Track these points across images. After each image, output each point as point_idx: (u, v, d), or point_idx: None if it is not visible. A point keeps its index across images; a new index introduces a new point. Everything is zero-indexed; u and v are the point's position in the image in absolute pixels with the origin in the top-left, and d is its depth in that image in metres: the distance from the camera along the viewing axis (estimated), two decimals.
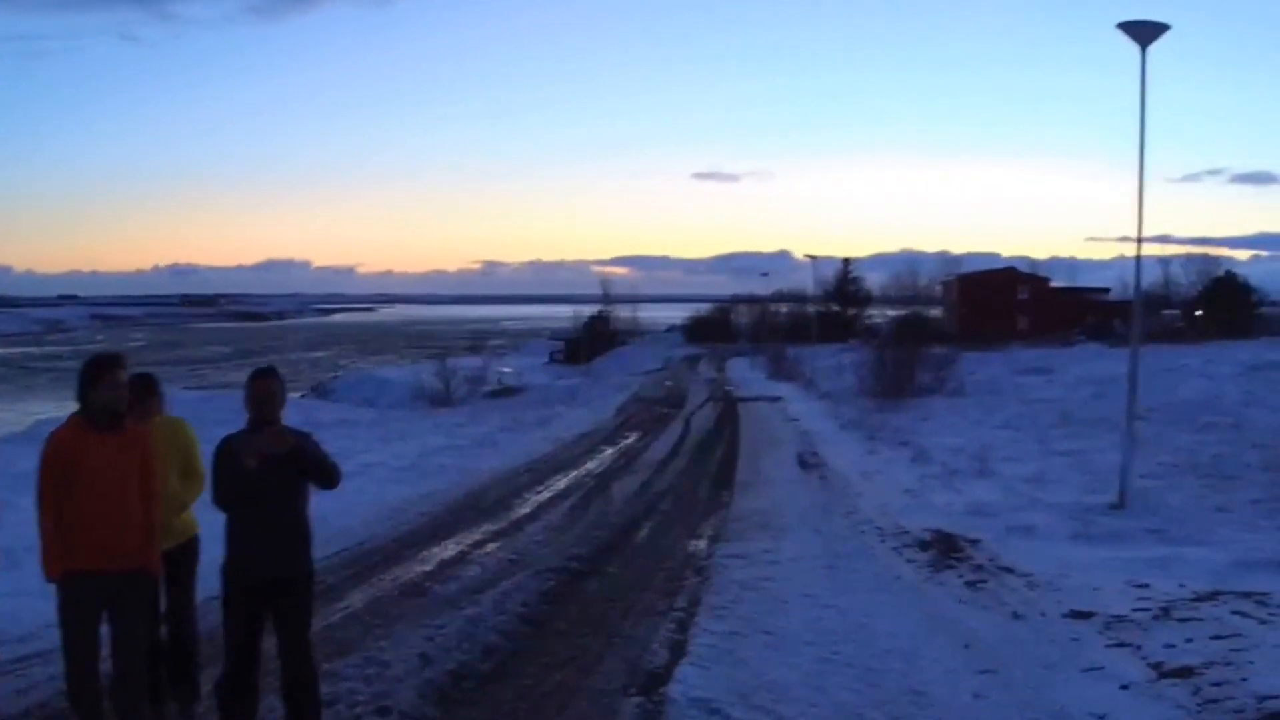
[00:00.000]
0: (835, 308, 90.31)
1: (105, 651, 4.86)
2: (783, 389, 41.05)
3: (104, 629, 4.85)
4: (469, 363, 50.58)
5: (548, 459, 19.96)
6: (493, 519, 13.01)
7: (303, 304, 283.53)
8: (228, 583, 4.92)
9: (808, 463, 18.97)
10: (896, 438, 21.54)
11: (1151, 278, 71.11)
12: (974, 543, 10.84)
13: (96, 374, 4.84)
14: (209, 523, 5.41)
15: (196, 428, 5.88)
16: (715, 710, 5.76)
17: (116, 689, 4.83)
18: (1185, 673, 6.31)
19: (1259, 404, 23.59)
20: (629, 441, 23.63)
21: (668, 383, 48.86)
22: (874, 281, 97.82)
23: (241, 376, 5.58)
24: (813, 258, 64.30)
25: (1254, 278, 74.58)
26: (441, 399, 42.90)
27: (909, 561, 10.30)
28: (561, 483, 16.65)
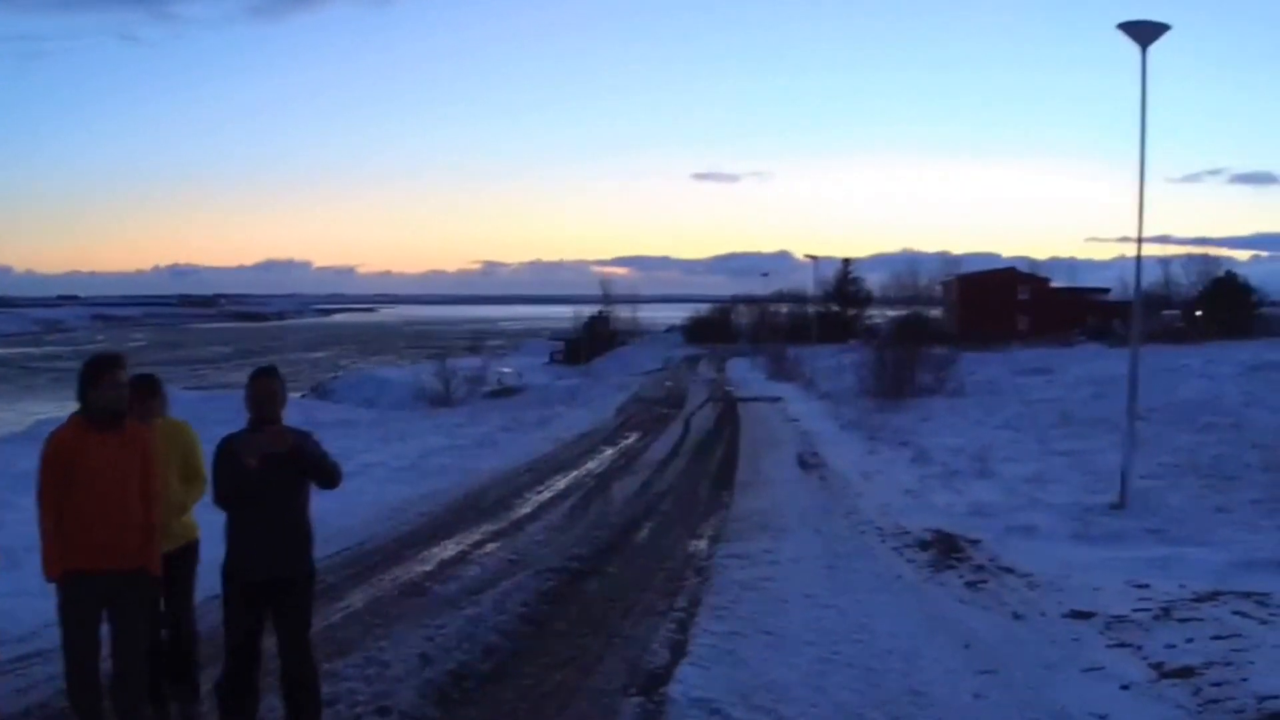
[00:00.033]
0: (835, 308, 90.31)
1: (105, 651, 4.86)
2: (783, 389, 41.06)
3: (104, 629, 4.86)
4: (469, 363, 50.60)
5: (548, 459, 19.96)
6: (493, 519, 13.01)
7: (303, 304, 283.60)
8: (228, 582, 4.91)
9: (808, 463, 18.97)
10: (897, 438, 21.54)
11: (1151, 278, 71.13)
12: (974, 543, 10.84)
13: (97, 374, 4.84)
14: (209, 523, 5.40)
15: (197, 428, 5.88)
16: (715, 710, 5.76)
17: (116, 688, 4.82)
18: (1186, 673, 6.30)
19: (1259, 404, 23.58)
20: (629, 442, 23.63)
21: (668, 383, 48.89)
22: (874, 282, 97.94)
23: (241, 377, 5.58)
24: (813, 258, 64.26)
25: (1254, 278, 74.65)
26: (441, 399, 42.93)
27: (909, 562, 10.30)
28: (561, 483, 16.64)
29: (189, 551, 5.56)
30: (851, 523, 12.62)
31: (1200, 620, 7.41)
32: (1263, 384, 27.63)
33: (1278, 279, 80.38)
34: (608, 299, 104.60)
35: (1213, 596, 8.06)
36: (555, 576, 9.27)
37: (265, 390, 4.92)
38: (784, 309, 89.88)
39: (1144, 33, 13.13)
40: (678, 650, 7.03)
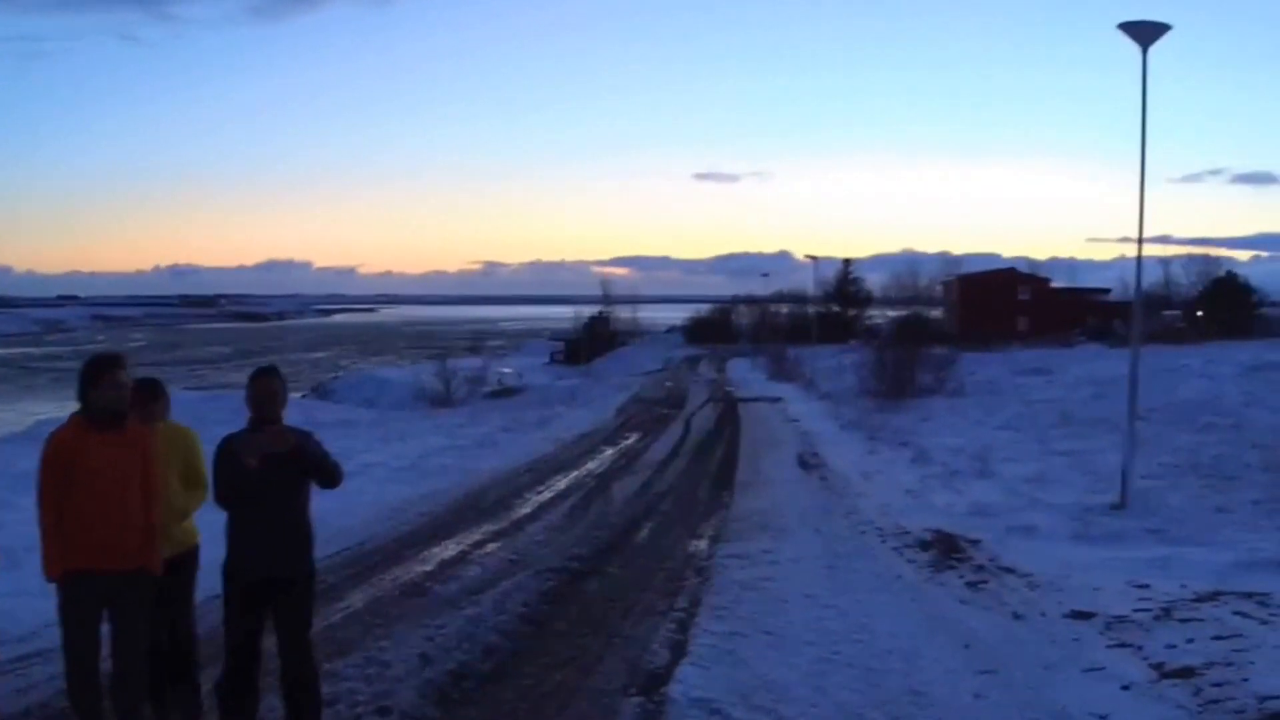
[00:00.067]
0: (836, 308, 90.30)
1: (105, 651, 4.86)
2: (783, 389, 41.07)
3: (104, 628, 4.85)
4: (469, 363, 50.58)
5: (548, 459, 19.96)
6: (493, 519, 13.01)
7: (303, 304, 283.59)
8: (228, 582, 4.91)
9: (808, 463, 18.97)
10: (897, 438, 21.55)
11: (1152, 278, 71.21)
12: (974, 543, 10.84)
13: (97, 374, 4.84)
14: (210, 524, 5.40)
15: (197, 428, 5.86)
16: (716, 710, 5.75)
17: (116, 688, 4.83)
18: (1186, 673, 6.30)
19: (1259, 404, 23.58)
20: (629, 442, 23.63)
21: (668, 383, 48.91)
22: (874, 282, 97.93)
23: (242, 377, 5.58)
24: (813, 258, 64.21)
25: (1254, 278, 74.68)
26: (442, 399, 42.93)
27: (909, 562, 10.29)
28: (562, 483, 16.64)
29: (189, 557, 5.51)
30: (852, 523, 12.62)
31: (1201, 620, 7.40)
32: (1263, 384, 27.62)
33: (1278, 279, 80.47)
34: (608, 299, 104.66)
35: (1213, 597, 8.06)
36: (555, 576, 9.27)
37: (266, 390, 4.92)
38: (784, 309, 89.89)
39: (1144, 33, 13.13)
40: (678, 650, 7.03)
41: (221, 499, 4.90)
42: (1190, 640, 6.93)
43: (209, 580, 5.36)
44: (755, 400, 36.02)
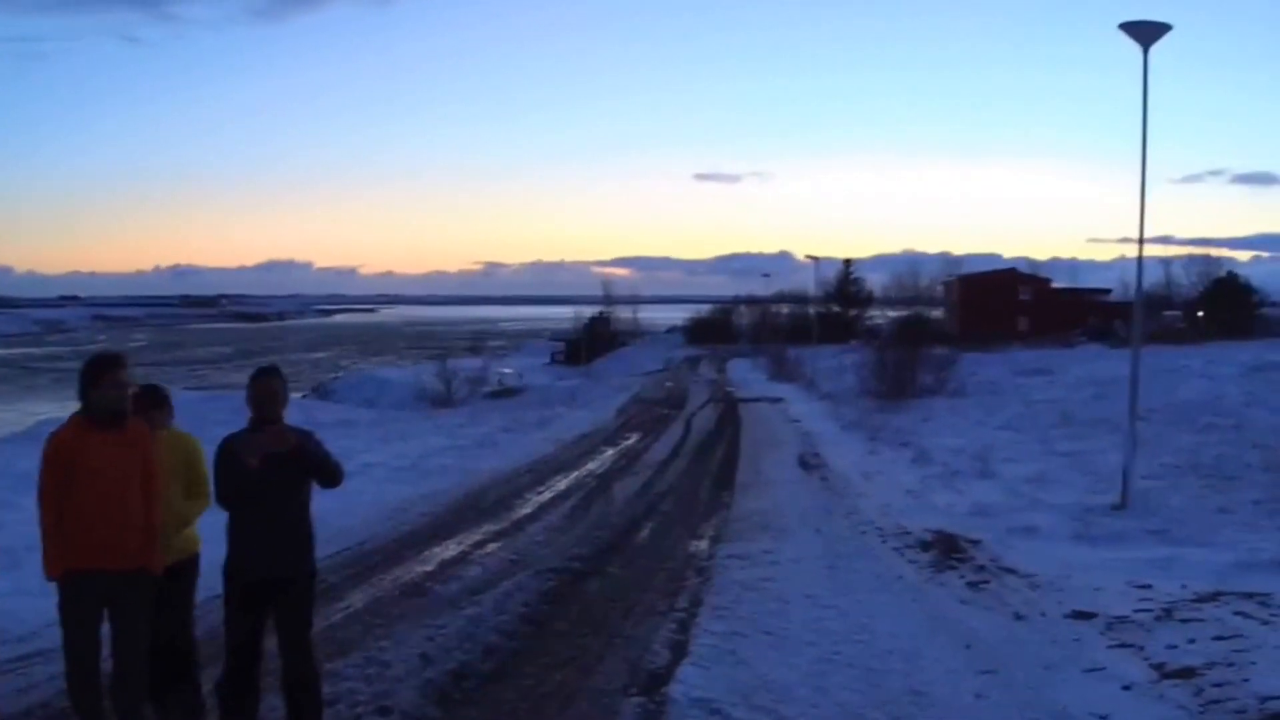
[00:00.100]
0: (836, 309, 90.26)
1: (106, 651, 4.86)
2: (784, 390, 41.06)
3: (105, 628, 4.85)
4: (470, 363, 50.61)
5: (548, 459, 19.96)
6: (493, 519, 13.01)
7: (304, 305, 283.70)
8: (228, 581, 4.91)
9: (809, 463, 18.96)
10: (898, 438, 21.54)
11: (1153, 279, 71.12)
12: (975, 543, 10.83)
13: (98, 373, 4.84)
14: (211, 525, 5.39)
15: (197, 428, 5.87)
16: (716, 710, 5.75)
17: (117, 688, 4.82)
18: (1187, 673, 6.30)
19: (1260, 405, 23.56)
20: (630, 442, 23.62)
21: (668, 384, 48.90)
22: (875, 282, 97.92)
23: (242, 377, 5.58)
24: (814, 258, 64.08)
25: (1255, 278, 74.56)
26: (442, 399, 42.96)
27: (910, 562, 10.29)
28: (562, 483, 16.64)
29: (189, 565, 5.46)
30: (852, 523, 12.62)
31: (1202, 621, 7.40)
32: (1264, 384, 27.60)
33: (1278, 280, 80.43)
34: (608, 300, 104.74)
35: (1214, 597, 8.05)
36: (556, 577, 9.27)
37: (267, 390, 4.92)
38: (785, 309, 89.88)
39: (1145, 33, 13.13)
40: (678, 650, 7.03)
41: (222, 499, 4.91)
42: (1191, 640, 6.93)
43: (209, 580, 5.36)
44: (756, 400, 36.01)
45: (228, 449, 4.86)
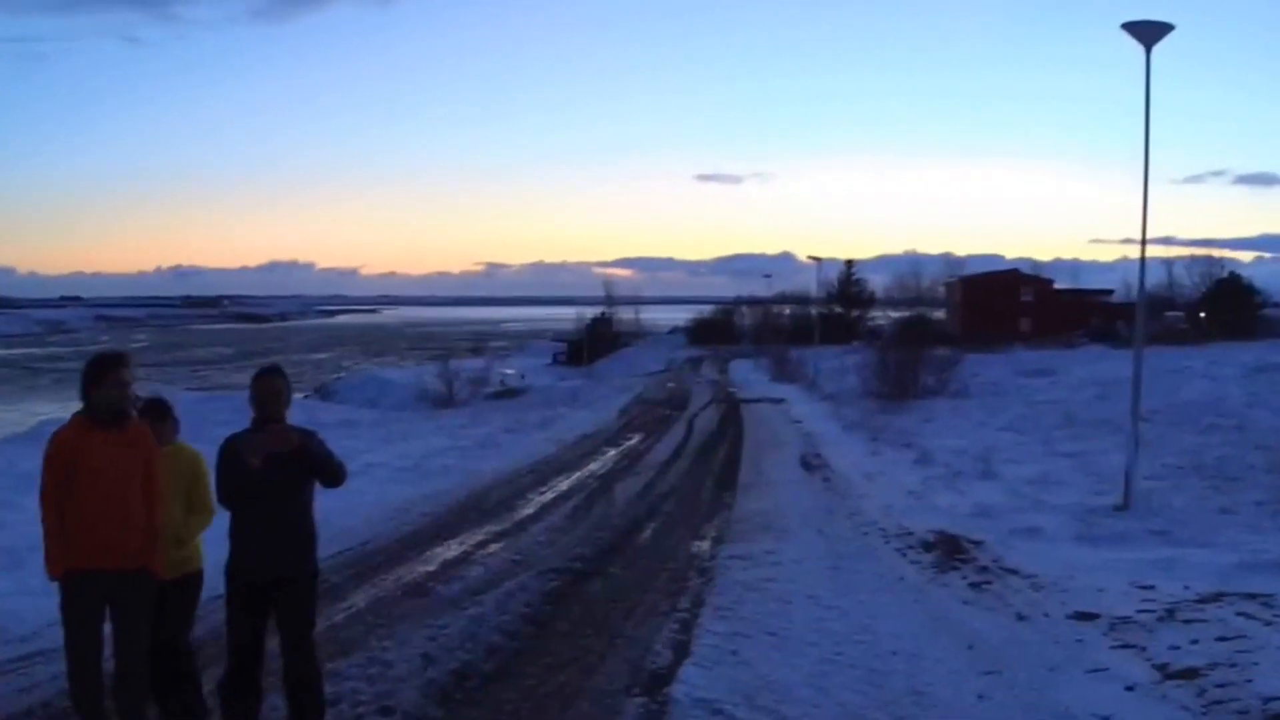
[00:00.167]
0: (838, 309, 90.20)
1: (108, 651, 4.86)
2: (786, 391, 41.07)
3: (107, 628, 4.85)
4: (471, 364, 50.70)
5: (550, 460, 19.96)
6: (495, 519, 13.01)
7: (306, 305, 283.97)
8: (230, 581, 4.91)
9: (811, 464, 18.96)
10: (900, 439, 21.55)
11: (1155, 279, 70.99)
12: (978, 544, 10.82)
13: (100, 373, 4.84)
14: (213, 525, 5.40)
15: (199, 429, 5.88)
16: (718, 711, 5.74)
17: (118, 688, 4.82)
18: (1190, 674, 6.29)
19: (1262, 405, 23.55)
20: (632, 443, 23.63)
21: (670, 384, 48.92)
22: (877, 283, 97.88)
23: (244, 378, 5.59)
24: (816, 259, 63.83)
25: (1257, 279, 74.46)
26: (444, 400, 42.99)
27: (912, 563, 10.28)
28: (564, 484, 16.65)
29: (189, 583, 5.35)
30: (854, 524, 12.61)
31: (1204, 621, 7.39)
32: (1266, 385, 27.59)
33: None
34: (610, 300, 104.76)
35: (1217, 598, 8.04)
36: (558, 577, 9.27)
37: (269, 389, 4.92)
38: (787, 310, 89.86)
39: (1148, 33, 13.13)
40: (681, 651, 7.02)
41: (224, 499, 4.91)
42: (1194, 641, 6.92)
43: (211, 580, 5.36)
44: (758, 401, 36.00)
45: (230, 449, 4.86)
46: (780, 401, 35.59)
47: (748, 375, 55.00)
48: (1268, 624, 7.23)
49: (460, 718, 5.86)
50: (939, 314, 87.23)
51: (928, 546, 10.91)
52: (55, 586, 4.82)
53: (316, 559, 5.05)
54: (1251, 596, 7.99)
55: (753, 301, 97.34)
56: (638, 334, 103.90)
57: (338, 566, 9.63)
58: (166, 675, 5.24)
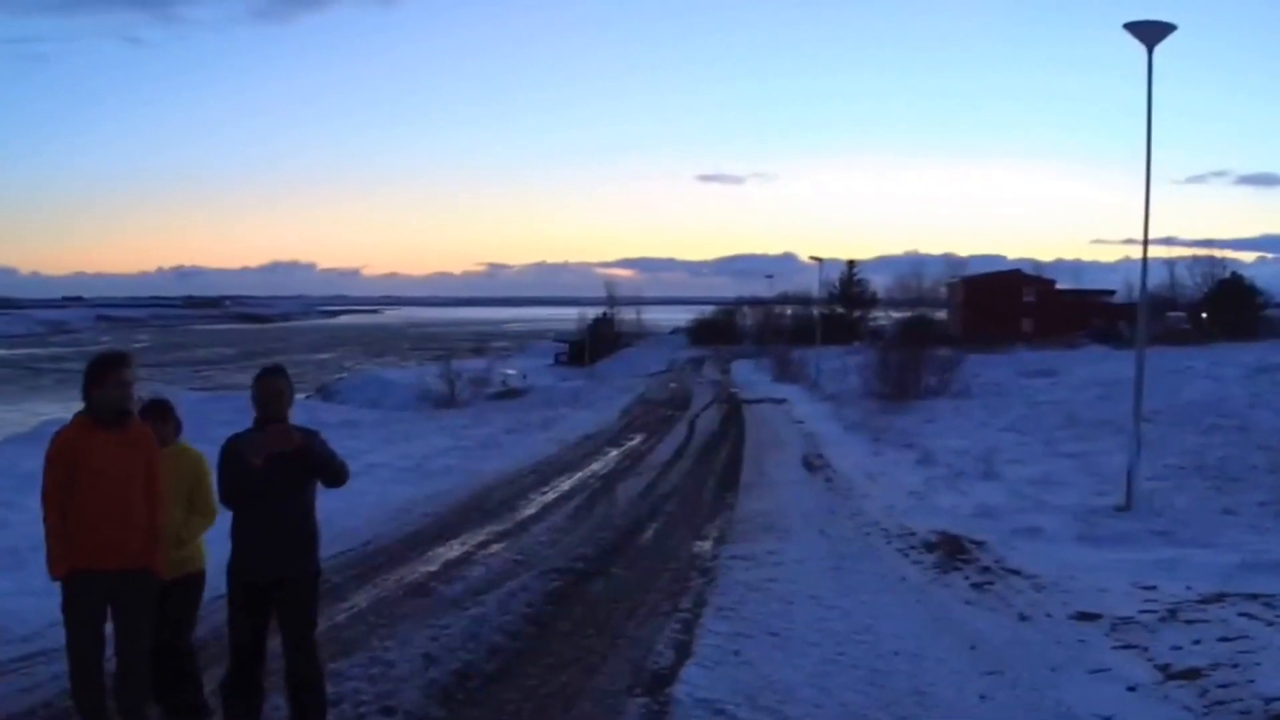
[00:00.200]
0: (840, 310, 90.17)
1: (109, 650, 4.86)
2: (787, 391, 41.06)
3: (108, 628, 4.85)
4: (473, 364, 50.71)
5: (552, 460, 19.96)
6: (497, 520, 13.01)
7: (308, 306, 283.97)
8: (231, 581, 4.91)
9: (813, 464, 18.96)
10: (901, 440, 21.54)
11: (1157, 280, 70.93)
12: (980, 544, 10.82)
13: (101, 373, 4.84)
14: (216, 525, 5.40)
15: (201, 429, 5.88)
16: (720, 711, 5.74)
17: (120, 688, 4.82)
18: (1192, 675, 6.28)
19: (1265, 406, 23.52)
20: (634, 443, 23.63)
21: (672, 385, 48.92)
22: (879, 284, 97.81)
23: (246, 378, 5.59)
24: (817, 260, 63.80)
25: (1259, 280, 74.43)
26: (446, 400, 42.99)
27: (914, 563, 10.28)
28: (566, 484, 16.65)
29: (189, 584, 5.36)
30: (856, 524, 12.61)
31: (1206, 622, 7.38)
32: (1268, 385, 27.57)
33: None
34: (612, 301, 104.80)
35: (1219, 598, 8.04)
36: (560, 577, 9.27)
37: (271, 389, 4.92)
38: (789, 311, 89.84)
39: (1150, 33, 13.13)
40: (683, 651, 7.02)
41: (226, 498, 4.91)
42: (1196, 642, 6.91)
43: (214, 580, 5.37)
44: (760, 402, 36.00)
45: (232, 449, 4.86)
46: (782, 402, 35.58)
47: (749, 376, 54.99)
48: (1270, 624, 7.22)
49: (462, 718, 5.86)
50: (941, 314, 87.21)
51: (930, 547, 10.90)
52: (57, 586, 4.82)
53: (318, 559, 5.05)
54: (1254, 597, 7.99)
55: (754, 302, 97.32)
56: (639, 334, 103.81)
57: (339, 567, 9.63)
58: (168, 675, 5.25)
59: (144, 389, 5.47)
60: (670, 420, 29.79)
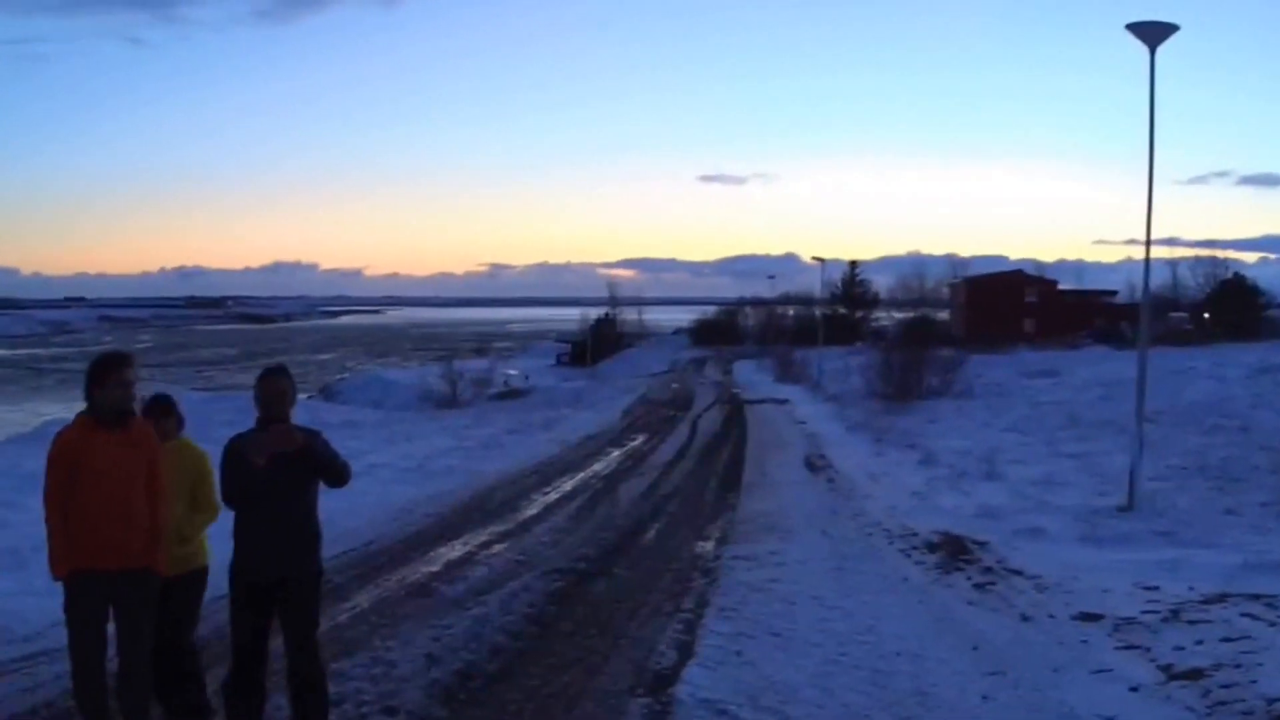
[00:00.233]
0: (842, 310, 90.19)
1: (111, 650, 4.86)
2: (790, 391, 41.07)
3: (110, 627, 4.85)
4: (475, 365, 50.70)
5: (554, 461, 19.97)
6: (499, 520, 13.01)
7: (310, 306, 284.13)
8: (233, 581, 4.91)
9: (815, 465, 18.96)
10: (904, 440, 21.53)
11: (1159, 280, 70.93)
12: (982, 545, 10.81)
13: (103, 373, 4.84)
14: (217, 524, 5.40)
15: (203, 429, 5.88)
16: (722, 711, 5.74)
17: (122, 687, 4.83)
18: (1194, 675, 6.28)
19: (1267, 406, 23.49)
20: (636, 444, 23.63)
21: (674, 385, 48.95)
22: (881, 284, 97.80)
23: (248, 378, 5.60)
24: (820, 260, 63.72)
25: (1261, 280, 74.52)
26: (448, 401, 43.00)
27: (917, 563, 10.28)
28: (568, 484, 16.65)
29: (192, 580, 5.35)
30: (859, 524, 12.61)
31: (1209, 622, 7.37)
32: (1270, 386, 27.55)
33: None
34: (614, 301, 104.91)
35: (1221, 599, 8.03)
36: (562, 577, 9.27)
37: (274, 389, 4.92)
38: (791, 311, 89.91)
39: (1152, 33, 13.12)
40: (685, 651, 7.02)
41: (228, 498, 4.91)
42: (1199, 642, 6.90)
43: (216, 580, 5.37)
44: (762, 402, 36.01)
45: (234, 449, 4.86)
46: (784, 402, 35.59)
47: (752, 376, 55.00)
48: (1272, 625, 7.21)
49: (464, 718, 5.86)
50: (943, 315, 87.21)
51: (932, 547, 10.90)
52: (59, 586, 4.83)
53: (321, 559, 5.05)
54: (1256, 597, 7.98)
55: (757, 302, 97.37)
56: (641, 335, 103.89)
57: (342, 567, 9.64)
58: (170, 675, 5.25)
59: (146, 389, 5.47)
60: (672, 421, 29.79)
